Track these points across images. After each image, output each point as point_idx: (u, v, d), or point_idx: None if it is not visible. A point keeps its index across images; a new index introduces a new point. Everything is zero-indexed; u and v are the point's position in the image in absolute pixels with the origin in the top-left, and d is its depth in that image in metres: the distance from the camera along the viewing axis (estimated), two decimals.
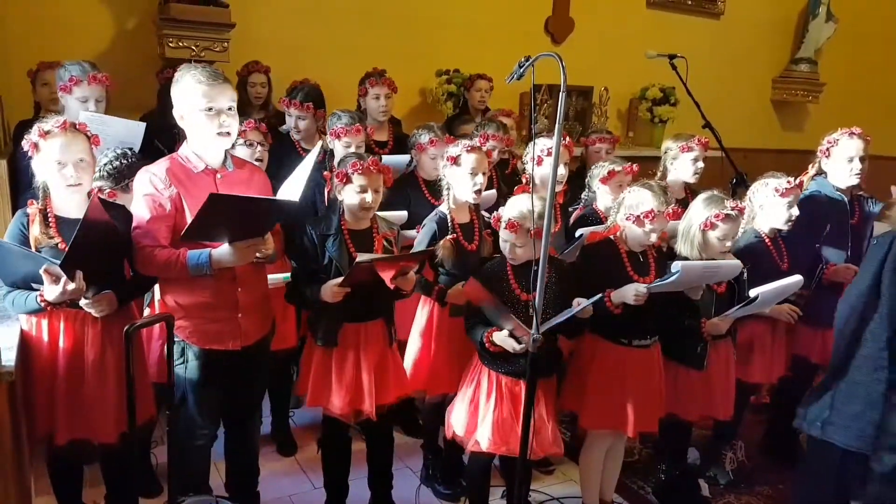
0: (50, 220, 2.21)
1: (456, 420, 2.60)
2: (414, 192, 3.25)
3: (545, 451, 2.57)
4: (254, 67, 4.00)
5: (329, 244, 2.47)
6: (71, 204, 2.24)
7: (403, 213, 2.99)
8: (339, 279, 2.38)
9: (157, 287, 2.58)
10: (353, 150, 3.07)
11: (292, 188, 2.26)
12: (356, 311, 2.48)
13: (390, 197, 3.15)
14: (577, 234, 2.92)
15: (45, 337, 2.22)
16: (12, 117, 3.42)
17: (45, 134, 2.14)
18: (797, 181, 2.95)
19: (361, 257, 2.38)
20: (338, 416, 2.55)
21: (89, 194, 2.27)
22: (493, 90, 4.56)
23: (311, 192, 2.94)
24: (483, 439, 2.50)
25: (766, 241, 2.98)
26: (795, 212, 2.91)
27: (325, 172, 2.65)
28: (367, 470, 2.80)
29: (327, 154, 3.19)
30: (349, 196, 2.48)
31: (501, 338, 2.39)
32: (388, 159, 3.32)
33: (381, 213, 2.81)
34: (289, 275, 2.67)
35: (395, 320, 2.66)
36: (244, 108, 3.92)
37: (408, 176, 3.34)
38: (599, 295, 2.43)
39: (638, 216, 2.56)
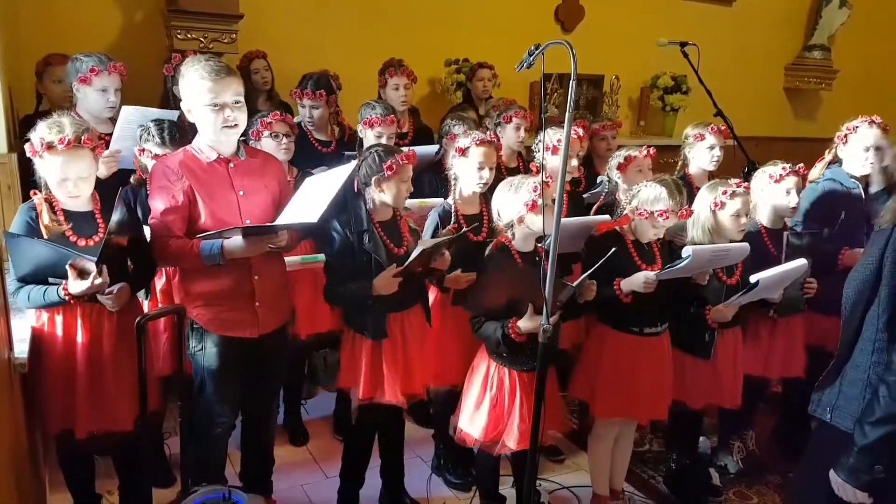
0: (57, 210, 2.22)
1: (474, 428, 2.55)
2: (439, 180, 3.25)
3: (554, 428, 2.59)
4: (252, 54, 4.02)
5: (364, 240, 2.47)
6: (72, 203, 2.25)
7: (440, 200, 2.98)
8: (393, 269, 2.40)
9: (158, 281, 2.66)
10: (384, 140, 3.11)
11: (314, 205, 2.22)
12: (398, 301, 2.50)
13: (420, 185, 3.18)
14: None
15: (60, 332, 2.23)
16: (22, 110, 3.44)
17: (48, 147, 2.12)
18: (797, 167, 2.91)
19: (424, 243, 2.42)
20: (395, 404, 2.56)
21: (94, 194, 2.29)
22: (497, 78, 4.52)
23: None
24: (512, 441, 2.48)
25: (763, 232, 2.96)
26: (794, 198, 2.88)
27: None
28: (378, 460, 2.82)
29: (357, 143, 3.23)
30: (393, 193, 2.48)
31: (528, 323, 2.31)
32: (417, 150, 3.34)
33: (421, 200, 2.89)
34: (309, 256, 2.70)
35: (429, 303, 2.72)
36: (250, 97, 3.94)
37: (435, 164, 3.34)
38: (592, 269, 2.37)
39: (651, 212, 2.55)
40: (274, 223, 2.29)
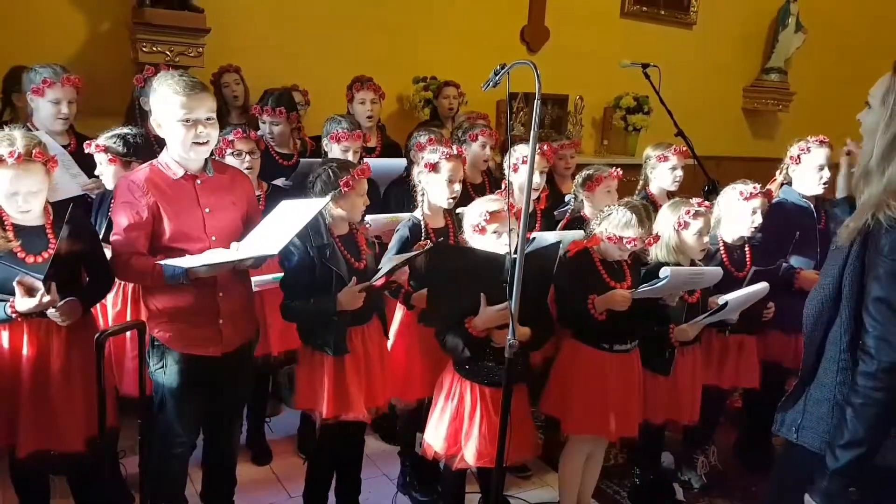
0: (6, 225, 2.17)
1: (436, 439, 2.54)
2: (405, 194, 3.25)
3: (523, 454, 2.59)
4: (224, 68, 4.01)
5: (325, 254, 2.44)
6: (22, 217, 2.21)
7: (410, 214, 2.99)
8: (356, 284, 2.40)
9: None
10: (350, 154, 3.11)
11: (278, 235, 2.19)
12: (358, 315, 2.49)
13: (386, 199, 3.20)
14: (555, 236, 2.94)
15: (6, 345, 2.18)
16: None
17: None
18: (765, 188, 3.00)
19: (396, 259, 2.43)
20: (358, 420, 2.56)
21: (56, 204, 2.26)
22: (463, 97, 4.58)
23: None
24: (470, 455, 2.46)
25: (722, 249, 3.03)
26: (759, 219, 2.96)
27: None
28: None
29: (323, 158, 3.20)
30: (350, 208, 2.48)
31: (483, 316, 2.32)
32: (383, 163, 3.35)
33: (392, 216, 2.93)
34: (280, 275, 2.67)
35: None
36: (223, 112, 3.91)
37: (398, 180, 3.35)
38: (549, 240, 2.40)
39: (620, 238, 2.58)
40: (230, 259, 2.22)
